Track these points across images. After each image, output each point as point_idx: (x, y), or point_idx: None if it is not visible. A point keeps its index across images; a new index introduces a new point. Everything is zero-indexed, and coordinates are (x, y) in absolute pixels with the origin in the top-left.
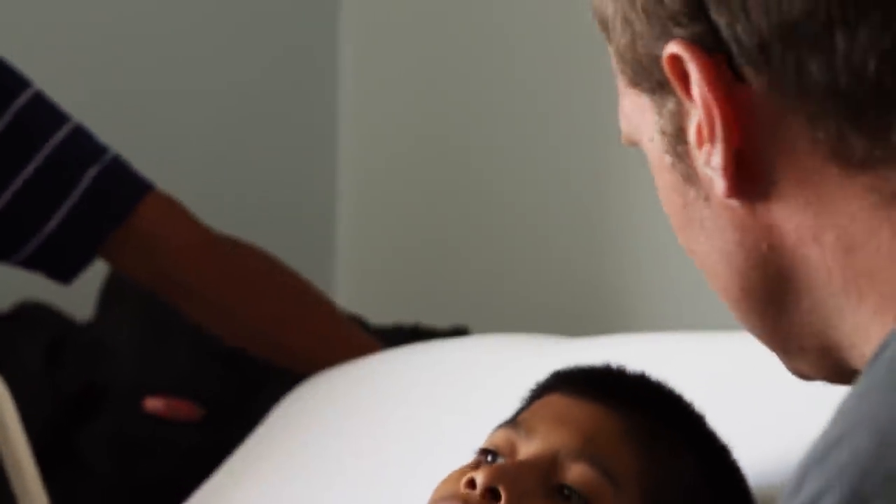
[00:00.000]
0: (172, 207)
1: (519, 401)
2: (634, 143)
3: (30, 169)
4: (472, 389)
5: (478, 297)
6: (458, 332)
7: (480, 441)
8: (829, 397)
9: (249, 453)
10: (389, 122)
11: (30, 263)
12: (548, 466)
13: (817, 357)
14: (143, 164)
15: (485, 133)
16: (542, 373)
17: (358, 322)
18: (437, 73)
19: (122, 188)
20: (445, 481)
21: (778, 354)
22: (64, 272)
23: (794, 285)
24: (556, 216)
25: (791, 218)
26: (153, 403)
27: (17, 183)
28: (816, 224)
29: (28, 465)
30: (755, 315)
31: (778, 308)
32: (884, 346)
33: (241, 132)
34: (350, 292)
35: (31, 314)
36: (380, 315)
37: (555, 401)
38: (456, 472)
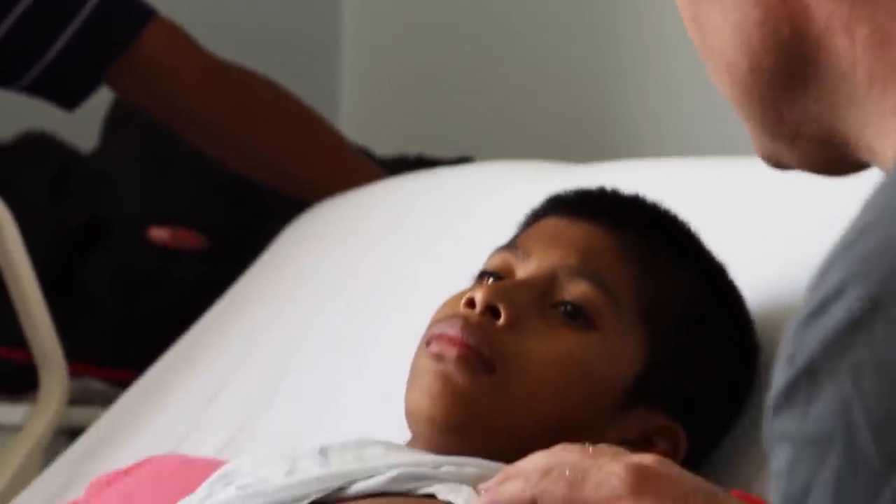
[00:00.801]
0: (177, 33)
1: (516, 226)
2: None
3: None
4: (473, 215)
5: (483, 127)
6: (463, 161)
7: (479, 265)
8: (829, 221)
9: (252, 281)
10: None
11: (34, 89)
12: (546, 284)
13: (814, 146)
14: None
15: None
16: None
17: (364, 153)
18: None
19: (126, 14)
20: (446, 304)
21: (761, 137)
22: (68, 98)
23: (809, 72)
24: (562, 44)
25: (824, 5)
26: (158, 233)
27: (20, 8)
28: (851, 15)
29: (33, 296)
30: (754, 96)
31: (784, 92)
32: None
33: None
34: (355, 124)
35: (36, 144)
36: (385, 146)
37: (550, 223)
38: (455, 295)
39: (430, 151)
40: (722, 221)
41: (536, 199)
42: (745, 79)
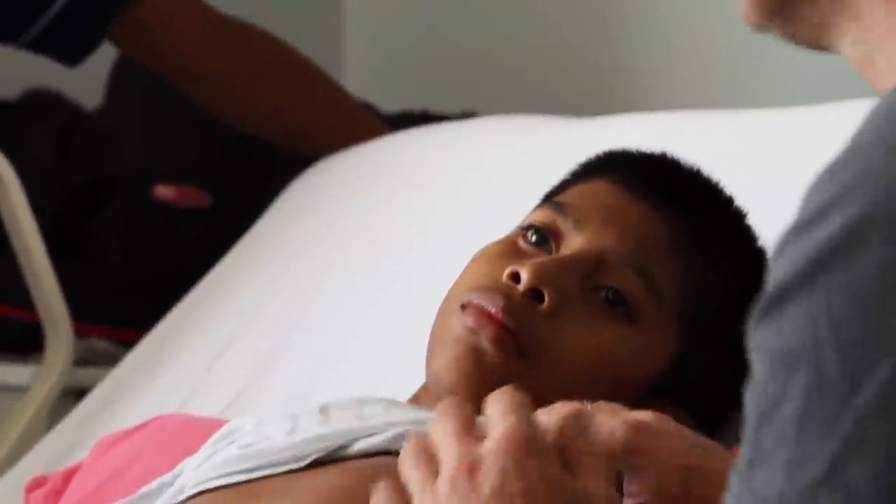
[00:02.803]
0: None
1: (563, 176)
2: None
3: None
4: (478, 169)
5: (488, 82)
6: (467, 116)
7: (487, 221)
8: None
9: (256, 239)
10: None
11: (36, 46)
12: (593, 265)
13: (805, 31)
14: None
15: None
16: (551, 152)
17: (368, 108)
18: None
19: None
20: (485, 259)
21: (763, 5)
22: (71, 54)
23: None
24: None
25: None
26: (163, 190)
27: None
28: None
29: (38, 256)
30: None
31: None
32: None
33: None
34: (359, 79)
35: (40, 102)
36: (389, 102)
37: (605, 190)
38: (494, 250)
39: (435, 107)
40: (725, 173)
41: (542, 153)
42: None
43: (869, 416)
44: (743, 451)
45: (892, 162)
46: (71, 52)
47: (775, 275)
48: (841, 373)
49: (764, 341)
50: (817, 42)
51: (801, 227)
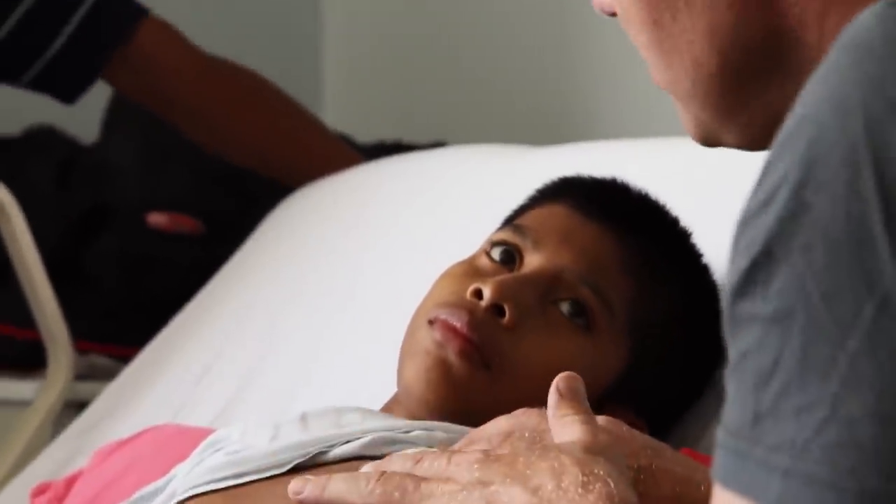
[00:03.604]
0: (168, 31)
1: (522, 200)
2: None
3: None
4: (446, 195)
5: (456, 114)
6: (437, 145)
7: (453, 242)
8: None
9: (241, 263)
10: None
11: (35, 85)
12: (551, 281)
13: (761, 130)
14: None
15: None
16: (512, 178)
17: (345, 139)
18: None
19: (120, 12)
20: (451, 277)
21: (712, 121)
22: (67, 93)
23: (779, 65)
24: (527, 39)
25: (797, 2)
26: (156, 218)
27: (23, 7)
28: (823, 8)
29: (40, 281)
30: (717, 91)
31: (751, 84)
32: (838, 39)
33: None
34: (337, 113)
35: (41, 137)
36: (365, 134)
37: (561, 213)
38: (460, 270)
39: (407, 138)
40: (670, 195)
41: (504, 179)
42: (711, 75)
43: (860, 354)
44: (740, 412)
45: (844, 120)
46: (67, 90)
47: (749, 247)
48: (832, 320)
49: (750, 310)
50: (776, 119)
51: (766, 200)
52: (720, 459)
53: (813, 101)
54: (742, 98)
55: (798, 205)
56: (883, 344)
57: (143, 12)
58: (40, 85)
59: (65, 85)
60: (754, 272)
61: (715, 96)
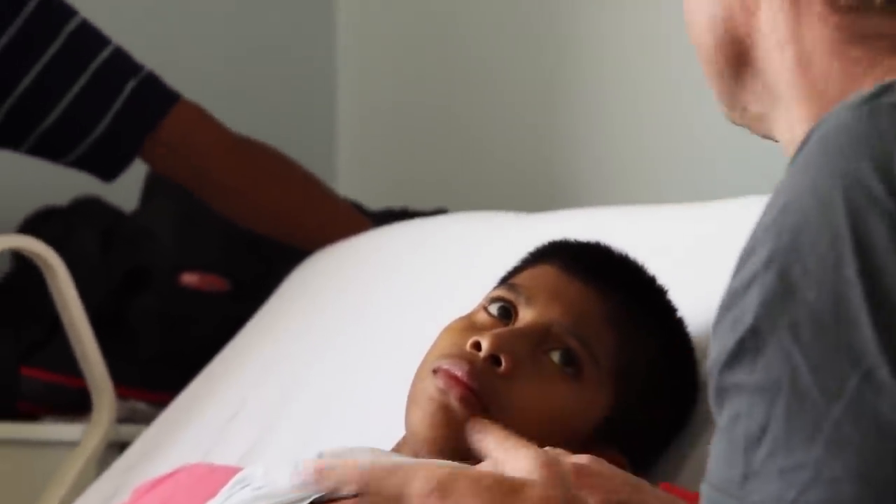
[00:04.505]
0: (199, 113)
1: (516, 262)
2: None
3: (81, 82)
4: (447, 257)
5: (457, 184)
6: (439, 212)
7: (453, 300)
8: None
9: (264, 318)
10: (387, 59)
11: (79, 164)
12: (542, 334)
13: (755, 121)
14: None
15: (462, 53)
16: (506, 241)
17: (357, 207)
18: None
19: (156, 98)
20: (452, 331)
21: (725, 106)
22: (107, 172)
23: (753, 67)
24: (518, 117)
25: (770, 21)
26: (189, 278)
27: (70, 95)
28: (786, 36)
29: (86, 334)
30: (718, 74)
31: (736, 75)
32: (811, 131)
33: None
34: (350, 184)
35: (87, 207)
36: (375, 202)
37: (550, 273)
38: (459, 325)
39: (413, 205)
40: (649, 256)
41: (499, 243)
42: (712, 59)
43: (844, 422)
44: (728, 470)
45: (787, 218)
46: (107, 170)
47: (736, 325)
48: (819, 391)
49: (738, 380)
50: (765, 132)
51: (750, 280)
52: None
53: (795, 190)
54: (731, 86)
55: (784, 287)
56: (866, 412)
57: (176, 97)
58: (83, 164)
59: (104, 165)
60: (742, 346)
61: (716, 78)
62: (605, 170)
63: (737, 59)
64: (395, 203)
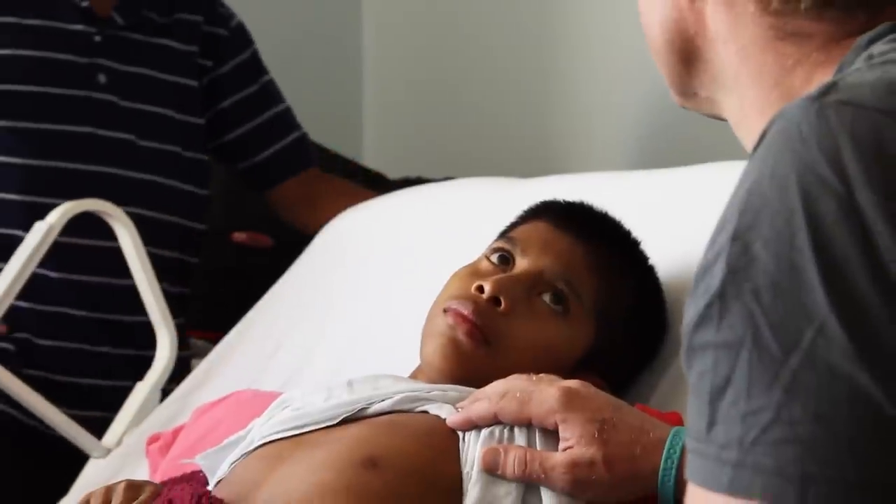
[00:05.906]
0: (322, 177)
1: (513, 219)
2: None
3: (261, 119)
4: (454, 217)
5: (464, 153)
6: (447, 179)
7: (458, 251)
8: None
9: (298, 269)
10: (408, 55)
11: (243, 174)
12: (535, 279)
13: (703, 105)
14: None
15: (471, 46)
16: (505, 204)
17: (379, 176)
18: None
19: (302, 153)
20: (460, 277)
21: (676, 93)
22: (257, 186)
23: (701, 59)
24: (516, 96)
25: (714, 19)
26: (239, 235)
27: (251, 125)
28: (728, 33)
29: (154, 285)
30: (669, 64)
31: (686, 66)
32: (770, 124)
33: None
34: (374, 157)
35: None
36: (395, 172)
37: (542, 228)
38: (466, 271)
39: (426, 174)
40: (627, 215)
41: (498, 202)
42: (662, 52)
43: (801, 370)
44: (698, 421)
45: (749, 200)
46: (257, 185)
47: (706, 290)
48: (777, 345)
49: (706, 339)
50: (715, 113)
51: (720, 250)
52: (689, 462)
53: (756, 177)
54: (682, 75)
55: (747, 258)
56: (820, 360)
57: (314, 161)
58: (243, 174)
59: (256, 183)
60: (709, 309)
61: (665, 68)
62: (594, 140)
63: (687, 54)
64: (412, 173)
